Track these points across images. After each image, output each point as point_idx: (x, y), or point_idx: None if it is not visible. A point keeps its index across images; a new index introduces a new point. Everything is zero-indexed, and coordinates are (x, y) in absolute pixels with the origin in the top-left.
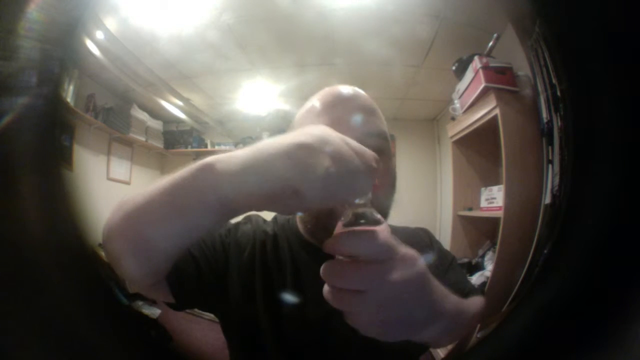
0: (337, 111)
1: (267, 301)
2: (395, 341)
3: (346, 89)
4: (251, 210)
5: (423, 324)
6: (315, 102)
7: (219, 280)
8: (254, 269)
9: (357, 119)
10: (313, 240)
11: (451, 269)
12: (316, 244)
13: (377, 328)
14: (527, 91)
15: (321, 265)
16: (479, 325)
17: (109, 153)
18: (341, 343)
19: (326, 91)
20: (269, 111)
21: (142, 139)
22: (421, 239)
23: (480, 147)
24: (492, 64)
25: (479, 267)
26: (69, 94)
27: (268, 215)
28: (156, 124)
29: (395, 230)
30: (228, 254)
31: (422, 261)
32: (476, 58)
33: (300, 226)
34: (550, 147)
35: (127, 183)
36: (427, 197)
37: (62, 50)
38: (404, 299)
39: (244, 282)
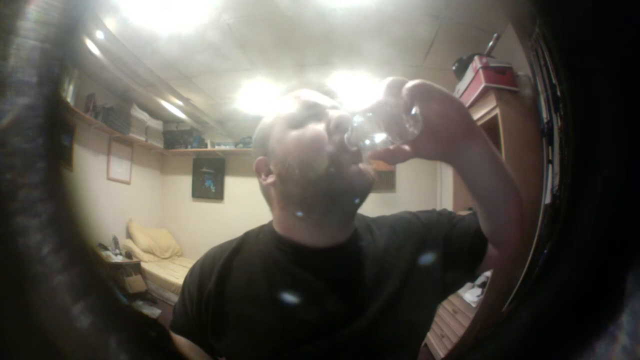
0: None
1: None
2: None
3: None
4: None
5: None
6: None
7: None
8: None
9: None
10: (300, 228)
11: (455, 220)
12: (297, 239)
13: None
14: (527, 91)
15: (298, 260)
16: (479, 325)
17: (109, 153)
18: (335, 344)
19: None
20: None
21: (142, 139)
22: (410, 219)
23: None
24: (492, 64)
25: None
26: (69, 94)
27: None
28: (156, 124)
29: (376, 221)
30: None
31: None
32: (476, 58)
33: (284, 216)
34: (550, 147)
35: (127, 183)
36: (427, 197)
37: (62, 50)
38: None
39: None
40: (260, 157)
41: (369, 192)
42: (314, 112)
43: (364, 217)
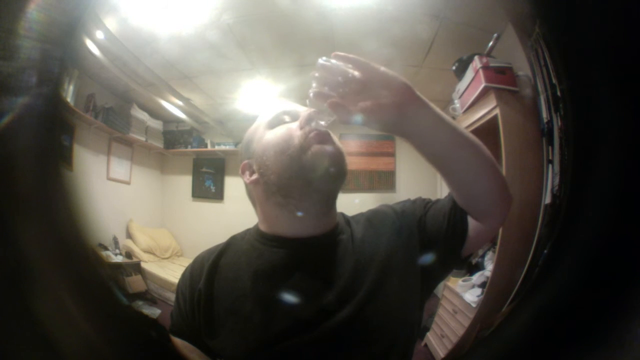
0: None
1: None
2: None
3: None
4: None
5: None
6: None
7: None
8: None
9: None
10: (283, 220)
11: (430, 204)
12: (280, 232)
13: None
14: (527, 91)
15: (281, 252)
16: (479, 325)
17: (109, 153)
18: (321, 335)
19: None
20: None
21: (142, 138)
22: (385, 211)
23: None
24: (492, 64)
25: (479, 267)
26: (69, 94)
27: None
28: (156, 124)
29: (353, 217)
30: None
31: None
32: (476, 58)
33: (267, 210)
34: (550, 147)
35: (127, 183)
36: (426, 197)
37: (62, 50)
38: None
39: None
40: (245, 161)
41: (338, 169)
42: (290, 115)
43: (343, 215)
